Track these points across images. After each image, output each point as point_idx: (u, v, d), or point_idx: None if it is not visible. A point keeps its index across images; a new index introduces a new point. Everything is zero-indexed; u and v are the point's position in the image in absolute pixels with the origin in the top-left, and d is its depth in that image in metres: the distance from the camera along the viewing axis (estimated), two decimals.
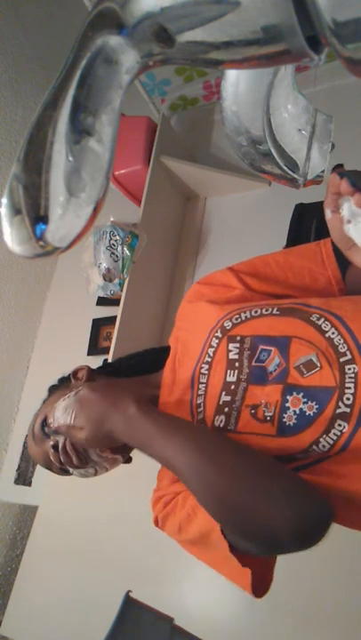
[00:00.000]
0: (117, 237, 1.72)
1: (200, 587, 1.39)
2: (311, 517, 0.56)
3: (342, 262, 0.76)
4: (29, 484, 1.91)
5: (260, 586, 0.64)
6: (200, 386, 0.70)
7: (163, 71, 2.19)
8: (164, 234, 2.05)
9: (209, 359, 0.71)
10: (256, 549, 0.62)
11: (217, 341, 0.71)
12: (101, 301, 2.02)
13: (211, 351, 0.71)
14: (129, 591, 1.10)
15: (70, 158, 0.28)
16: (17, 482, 1.94)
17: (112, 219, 1.77)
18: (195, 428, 0.67)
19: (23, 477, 1.93)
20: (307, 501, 0.57)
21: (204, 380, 0.70)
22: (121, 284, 1.73)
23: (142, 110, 2.19)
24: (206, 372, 0.70)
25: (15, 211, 0.29)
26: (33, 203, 0.28)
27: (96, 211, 0.30)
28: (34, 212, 0.28)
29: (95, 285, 1.76)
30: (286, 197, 1.67)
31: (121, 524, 1.56)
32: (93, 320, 2.04)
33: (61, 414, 0.70)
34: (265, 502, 0.57)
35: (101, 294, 1.79)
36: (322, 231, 0.81)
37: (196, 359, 0.73)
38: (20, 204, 0.28)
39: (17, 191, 0.29)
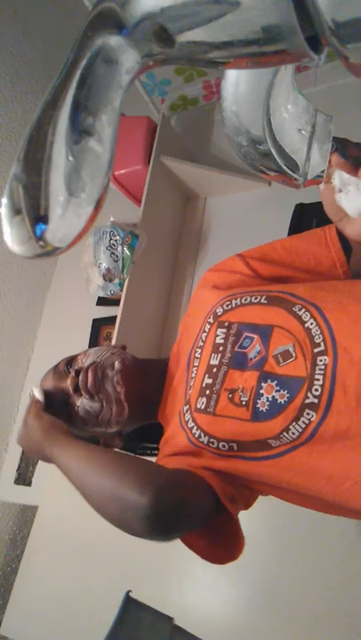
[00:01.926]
0: (117, 237, 1.71)
1: (200, 587, 1.39)
2: (154, 513, 0.59)
3: (347, 247, 0.78)
4: (29, 484, 1.91)
5: (211, 553, 0.69)
6: (193, 369, 0.75)
7: (163, 71, 2.19)
8: (164, 234, 2.04)
9: (201, 344, 0.75)
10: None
11: (209, 327, 0.75)
12: (101, 301, 2.02)
13: (203, 336, 0.76)
14: (129, 591, 1.10)
15: (70, 158, 0.28)
16: (17, 482, 1.94)
17: (112, 219, 1.77)
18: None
19: (23, 477, 1.93)
20: (147, 497, 0.59)
21: (197, 364, 0.74)
22: (121, 284, 1.73)
23: (142, 110, 2.18)
24: (199, 355, 0.75)
25: (15, 211, 0.29)
26: (33, 203, 0.28)
27: (96, 211, 0.30)
28: (34, 212, 0.28)
29: (95, 285, 1.75)
30: (286, 197, 1.67)
31: None
32: (93, 320, 2.03)
33: (94, 352, 0.83)
34: (117, 507, 0.62)
35: (101, 294, 1.78)
36: None
37: (192, 343, 0.78)
38: (20, 204, 0.28)
39: (17, 191, 0.29)
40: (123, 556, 1.53)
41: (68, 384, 0.81)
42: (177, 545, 0.72)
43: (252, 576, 1.31)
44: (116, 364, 0.81)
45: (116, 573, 1.50)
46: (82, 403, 0.79)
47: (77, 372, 0.80)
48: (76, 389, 0.79)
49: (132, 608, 1.07)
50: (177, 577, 1.42)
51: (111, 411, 0.78)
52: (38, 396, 0.83)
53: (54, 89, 0.29)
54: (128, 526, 0.62)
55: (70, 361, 0.84)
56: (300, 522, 1.20)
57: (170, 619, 1.06)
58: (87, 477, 0.66)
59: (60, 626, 1.55)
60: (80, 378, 0.79)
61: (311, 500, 0.68)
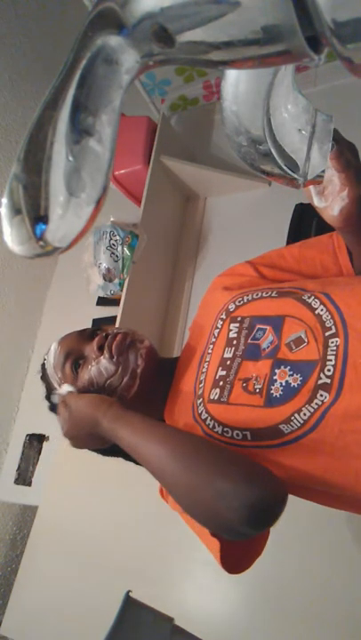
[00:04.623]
0: (117, 237, 1.71)
1: (200, 587, 1.39)
2: (261, 503, 0.58)
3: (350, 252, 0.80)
4: (29, 484, 1.91)
5: (229, 561, 0.68)
6: (204, 364, 0.75)
7: (163, 71, 2.19)
8: (164, 234, 2.04)
9: (213, 339, 0.77)
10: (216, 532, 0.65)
11: (221, 323, 0.77)
12: (101, 301, 2.02)
13: (216, 332, 0.77)
14: (129, 591, 1.10)
15: (70, 158, 0.28)
16: (17, 482, 1.94)
17: (112, 219, 1.77)
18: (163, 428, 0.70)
19: (23, 477, 1.93)
20: (256, 487, 0.59)
21: (208, 359, 0.75)
22: (121, 284, 1.73)
23: (142, 110, 2.18)
24: (210, 351, 0.76)
25: (15, 211, 0.29)
26: (33, 203, 0.28)
27: (96, 211, 0.30)
28: (34, 212, 0.28)
29: (95, 285, 1.75)
30: (286, 197, 1.67)
31: (121, 524, 1.56)
32: (93, 320, 2.03)
33: (125, 328, 0.84)
34: (215, 494, 0.59)
35: (101, 294, 1.78)
36: (322, 231, 0.84)
37: (205, 341, 0.79)
38: (20, 204, 0.28)
39: (17, 191, 0.29)
40: (123, 556, 1.53)
41: (92, 344, 0.80)
42: (177, 545, 0.72)
43: (252, 576, 1.31)
44: (146, 342, 0.83)
45: (116, 573, 1.50)
46: (98, 362, 0.78)
47: (107, 335, 0.80)
48: (100, 348, 0.79)
49: (132, 608, 1.07)
50: (177, 577, 1.42)
51: (122, 380, 0.78)
52: (69, 389, 0.80)
53: (54, 89, 0.29)
54: (219, 514, 0.59)
55: (97, 329, 0.85)
56: (299, 522, 1.20)
57: (170, 619, 1.06)
58: (169, 460, 0.63)
59: (60, 626, 1.55)
60: (108, 338, 0.79)
61: (320, 494, 0.67)
